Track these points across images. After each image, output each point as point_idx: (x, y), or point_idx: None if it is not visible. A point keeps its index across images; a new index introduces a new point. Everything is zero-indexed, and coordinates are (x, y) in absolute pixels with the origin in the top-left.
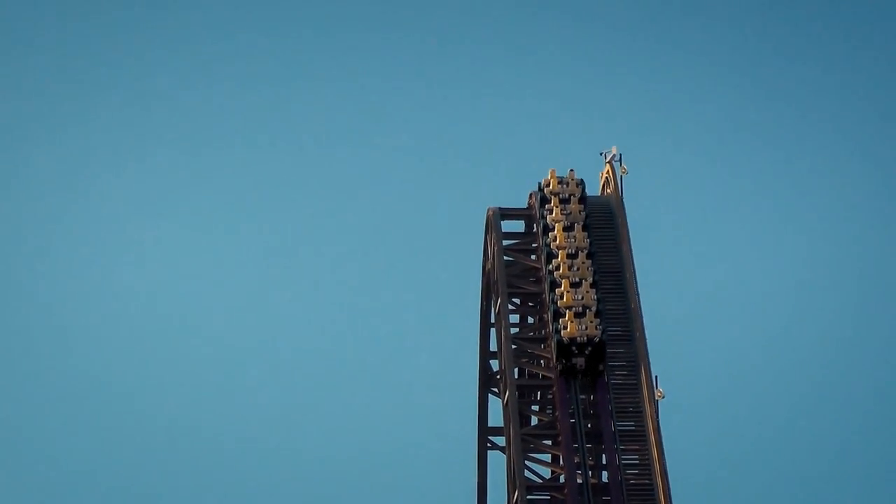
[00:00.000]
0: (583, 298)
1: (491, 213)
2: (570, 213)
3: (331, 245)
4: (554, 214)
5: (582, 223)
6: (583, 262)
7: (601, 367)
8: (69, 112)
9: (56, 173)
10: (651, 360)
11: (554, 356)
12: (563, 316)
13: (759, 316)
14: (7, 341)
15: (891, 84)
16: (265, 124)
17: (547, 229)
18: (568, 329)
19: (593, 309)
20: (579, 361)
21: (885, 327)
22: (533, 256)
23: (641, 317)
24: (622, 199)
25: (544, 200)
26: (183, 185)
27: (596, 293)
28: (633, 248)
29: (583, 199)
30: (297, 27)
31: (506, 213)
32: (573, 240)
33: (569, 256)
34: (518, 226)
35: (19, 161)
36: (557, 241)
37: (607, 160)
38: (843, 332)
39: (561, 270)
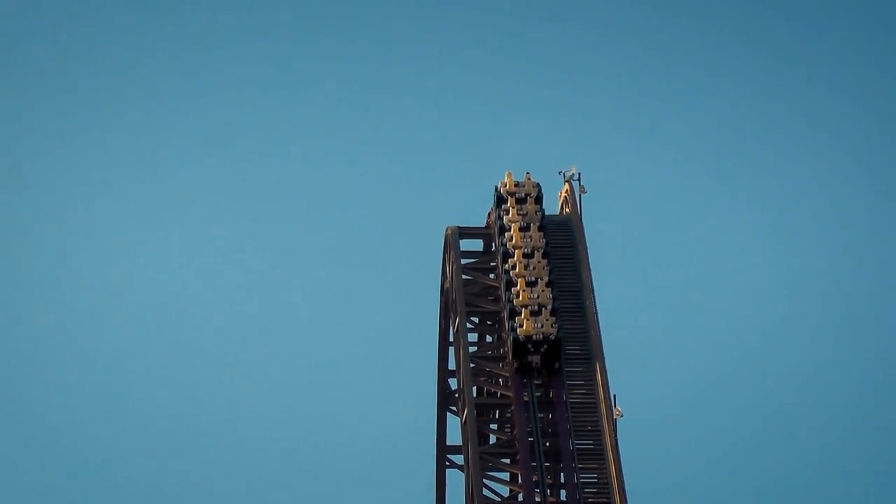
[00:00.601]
0: (538, 297)
1: (449, 231)
2: (527, 213)
3: (294, 257)
4: (510, 215)
5: (538, 223)
6: (538, 262)
7: (557, 365)
8: (70, 115)
9: (59, 175)
10: (609, 378)
11: (510, 354)
12: (519, 314)
13: (725, 331)
14: (9, 340)
15: (881, 83)
16: (254, 130)
17: (503, 230)
18: (524, 327)
19: (549, 307)
20: (535, 359)
21: (875, 333)
22: (492, 276)
23: (600, 335)
24: (581, 218)
25: (501, 201)
26: (182, 185)
27: (552, 292)
28: (591, 266)
29: (539, 198)
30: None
31: (464, 232)
32: (529, 239)
33: (525, 256)
34: (477, 244)
35: (23, 163)
36: (514, 241)
37: (566, 178)
38: (829, 341)
39: (517, 270)
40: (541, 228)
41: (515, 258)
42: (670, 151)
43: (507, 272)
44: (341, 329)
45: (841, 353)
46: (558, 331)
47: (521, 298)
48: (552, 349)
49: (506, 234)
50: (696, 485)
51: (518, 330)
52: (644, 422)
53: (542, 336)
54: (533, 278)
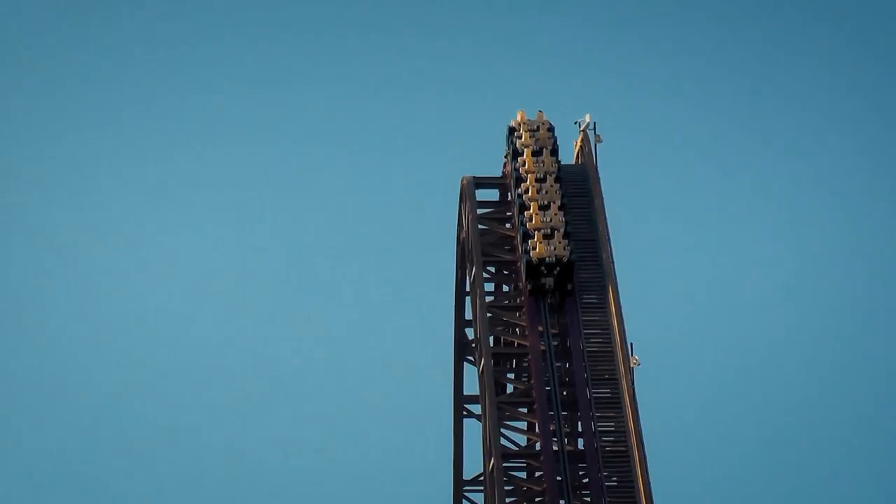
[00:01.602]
0: (551, 220)
1: (465, 181)
2: (539, 139)
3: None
4: (527, 166)
5: (550, 148)
6: (551, 186)
7: (570, 287)
8: (65, 114)
9: (55, 174)
10: (626, 327)
11: (523, 276)
12: (532, 237)
13: (735, 280)
14: (5, 341)
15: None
16: (261, 125)
17: (517, 154)
18: (537, 250)
19: (561, 230)
20: (548, 282)
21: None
22: (508, 225)
23: (616, 283)
24: (597, 167)
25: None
26: (180, 185)
27: (564, 215)
28: (607, 215)
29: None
30: (280, 30)
31: (480, 182)
32: (542, 164)
33: (537, 180)
34: (493, 194)
35: (20, 161)
36: (526, 166)
37: (581, 128)
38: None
39: (529, 193)
40: (557, 180)
41: (528, 182)
42: (688, 102)
43: (519, 196)
44: (357, 281)
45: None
46: (571, 253)
47: (533, 222)
48: (565, 271)
49: (518, 158)
50: (713, 431)
51: (531, 253)
52: (661, 370)
53: (554, 258)
54: (546, 202)
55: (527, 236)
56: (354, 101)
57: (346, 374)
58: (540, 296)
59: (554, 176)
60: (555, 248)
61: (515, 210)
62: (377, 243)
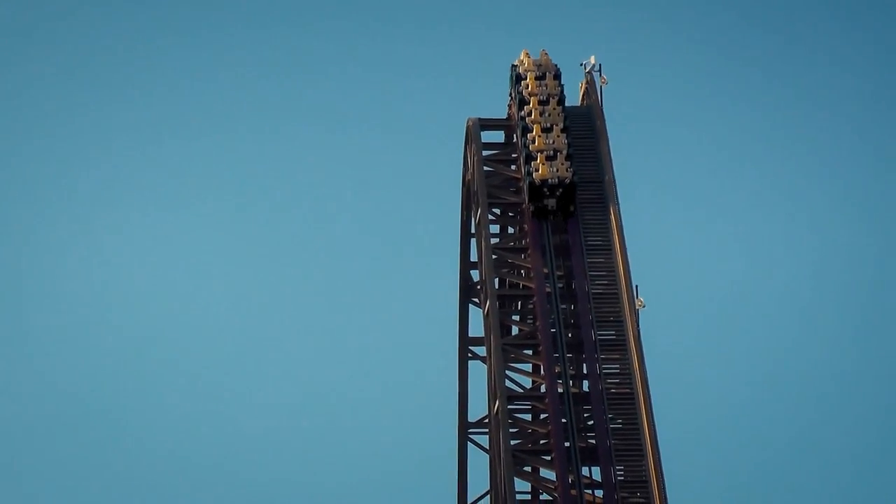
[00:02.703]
0: (554, 142)
1: (471, 123)
2: (546, 87)
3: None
4: (530, 88)
5: (558, 97)
6: (553, 109)
7: (572, 209)
8: (59, 108)
9: (48, 170)
10: (632, 269)
11: (526, 198)
12: (535, 159)
13: (742, 232)
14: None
15: None
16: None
17: (523, 102)
18: (539, 171)
19: (564, 152)
20: (551, 203)
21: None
22: (513, 167)
23: (622, 226)
24: (602, 109)
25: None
26: (179, 183)
27: (566, 137)
28: (612, 157)
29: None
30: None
31: (485, 124)
32: (545, 87)
33: (540, 103)
34: (498, 136)
35: (15, 158)
36: (529, 89)
37: (587, 70)
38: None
39: (533, 116)
40: (568, 157)
41: (531, 105)
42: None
43: (522, 119)
44: (363, 223)
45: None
46: (573, 174)
47: (536, 144)
48: (567, 192)
49: (522, 82)
50: (718, 371)
51: (534, 174)
52: (665, 311)
53: (557, 180)
54: (548, 124)
55: (529, 158)
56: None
57: (353, 315)
58: (543, 218)
59: (557, 99)
60: (557, 170)
61: (522, 159)
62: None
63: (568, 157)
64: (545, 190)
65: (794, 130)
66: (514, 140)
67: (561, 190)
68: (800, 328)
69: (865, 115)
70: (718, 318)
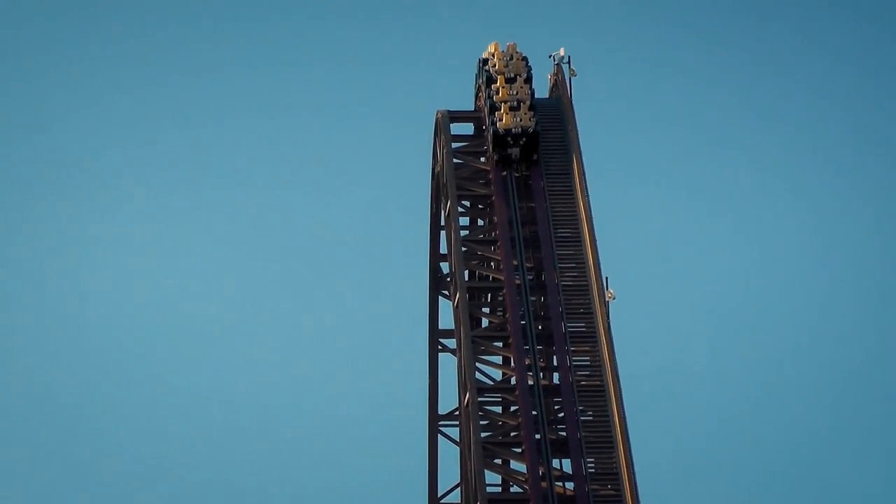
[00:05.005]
0: (517, 93)
1: (440, 115)
2: (512, 67)
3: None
4: (497, 67)
5: (524, 77)
6: (518, 61)
7: (535, 157)
8: (55, 111)
9: (44, 173)
10: (601, 261)
11: (490, 147)
12: (499, 109)
13: (716, 222)
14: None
15: None
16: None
17: (490, 81)
18: (503, 121)
19: (527, 102)
20: (514, 152)
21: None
22: (483, 159)
23: (591, 217)
24: (571, 100)
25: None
26: (178, 184)
27: (530, 88)
28: (582, 148)
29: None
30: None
31: (455, 116)
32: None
33: (504, 56)
34: (468, 129)
35: (11, 160)
36: (500, 94)
37: (556, 62)
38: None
39: (497, 67)
40: (531, 108)
41: (495, 56)
42: (668, 31)
43: (486, 71)
44: (331, 215)
45: None
46: (536, 124)
47: (500, 94)
48: (530, 141)
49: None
50: (689, 364)
51: (497, 124)
52: (636, 303)
53: (520, 129)
54: (512, 75)
55: (494, 108)
56: (324, 34)
57: (321, 307)
58: (507, 167)
59: (521, 55)
60: (520, 119)
61: (490, 137)
62: (351, 177)
63: (531, 107)
64: (509, 139)
65: (778, 117)
66: (484, 131)
67: (524, 139)
68: (775, 318)
69: (864, 110)
70: (691, 309)
